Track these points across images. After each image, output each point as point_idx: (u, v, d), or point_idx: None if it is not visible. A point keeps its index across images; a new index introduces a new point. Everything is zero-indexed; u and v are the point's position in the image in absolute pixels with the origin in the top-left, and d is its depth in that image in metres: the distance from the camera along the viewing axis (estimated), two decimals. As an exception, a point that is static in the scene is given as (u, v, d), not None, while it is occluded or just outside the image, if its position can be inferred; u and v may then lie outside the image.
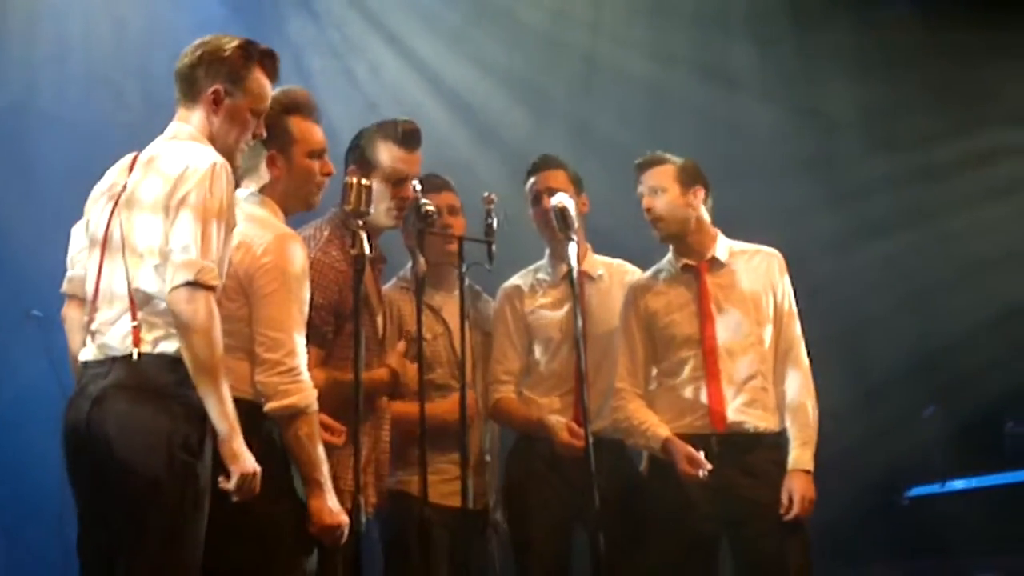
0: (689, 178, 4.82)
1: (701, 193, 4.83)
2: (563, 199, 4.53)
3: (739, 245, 4.91)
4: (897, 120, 7.18)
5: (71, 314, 3.67)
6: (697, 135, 6.71)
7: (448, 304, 4.79)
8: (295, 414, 3.55)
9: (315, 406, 3.59)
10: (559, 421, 4.77)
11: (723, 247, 4.87)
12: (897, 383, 6.94)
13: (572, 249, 4.42)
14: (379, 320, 4.26)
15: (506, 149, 6.95)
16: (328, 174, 3.95)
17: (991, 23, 6.84)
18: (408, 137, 4.32)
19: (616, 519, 4.50)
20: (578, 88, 7.38)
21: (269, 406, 3.55)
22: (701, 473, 4.55)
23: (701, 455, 4.56)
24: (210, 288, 3.28)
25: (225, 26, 6.25)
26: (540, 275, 5.04)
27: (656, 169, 4.82)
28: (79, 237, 3.65)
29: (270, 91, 3.61)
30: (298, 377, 3.57)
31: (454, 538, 4.52)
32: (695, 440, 4.62)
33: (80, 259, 3.61)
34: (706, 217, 4.86)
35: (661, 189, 4.78)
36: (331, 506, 3.59)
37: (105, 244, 3.43)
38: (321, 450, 3.61)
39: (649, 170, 4.83)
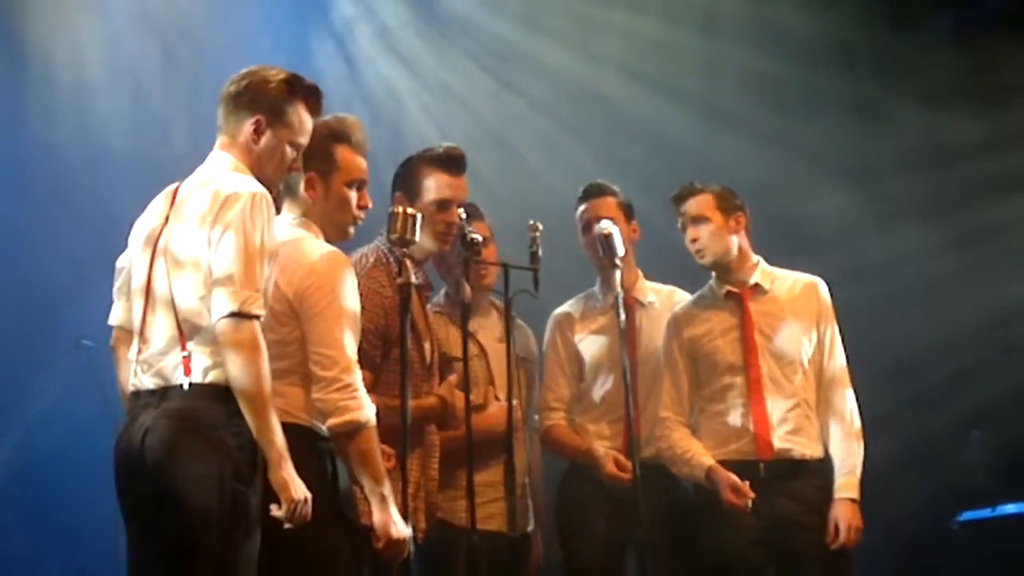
0: (729, 205, 4.82)
1: (743, 219, 4.84)
2: (608, 226, 4.57)
3: (781, 272, 4.90)
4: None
5: (119, 345, 3.70)
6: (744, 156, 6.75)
7: (483, 329, 4.83)
8: (356, 429, 3.55)
9: (374, 421, 3.59)
10: (607, 453, 4.77)
11: (765, 273, 4.86)
12: (941, 404, 6.88)
13: (617, 276, 4.44)
14: (426, 346, 4.28)
15: (547, 184, 6.97)
16: (364, 207, 3.95)
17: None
18: (452, 161, 4.36)
19: (667, 545, 4.54)
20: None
21: (330, 423, 3.55)
22: (746, 503, 4.54)
23: (746, 485, 4.55)
24: (255, 317, 3.30)
25: (271, 59, 6.36)
26: (590, 302, 5.06)
27: (696, 199, 4.82)
28: (124, 269, 3.69)
29: (311, 126, 3.64)
30: (355, 393, 3.57)
31: (492, 563, 4.50)
32: (743, 467, 4.62)
33: (126, 290, 3.64)
34: (747, 244, 4.86)
35: (703, 218, 4.78)
36: (396, 520, 3.59)
37: (150, 276, 3.46)
38: (382, 465, 3.62)
39: (688, 200, 4.83)
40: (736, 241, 4.81)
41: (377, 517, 3.58)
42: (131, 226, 3.64)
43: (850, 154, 7.20)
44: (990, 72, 7.03)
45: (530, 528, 4.84)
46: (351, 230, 3.96)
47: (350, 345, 3.61)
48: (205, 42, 7.07)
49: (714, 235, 4.78)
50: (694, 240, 4.79)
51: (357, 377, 3.59)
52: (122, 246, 3.69)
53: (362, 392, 3.59)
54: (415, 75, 7.47)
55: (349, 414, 3.55)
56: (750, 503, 4.53)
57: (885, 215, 7.12)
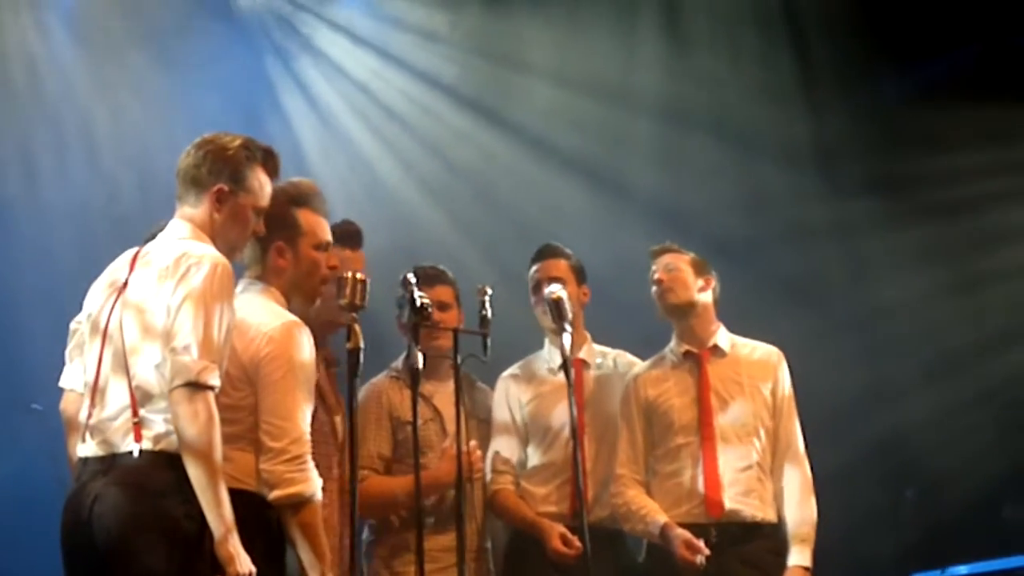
0: (702, 267, 4.92)
1: (711, 282, 4.92)
2: (557, 289, 4.58)
3: (742, 339, 4.96)
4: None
5: (69, 408, 3.67)
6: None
7: (439, 392, 4.76)
8: (301, 502, 3.53)
9: (319, 495, 3.58)
10: (552, 527, 4.74)
11: (725, 337, 4.91)
12: (881, 467, 6.92)
13: (566, 339, 4.45)
14: (337, 420, 4.19)
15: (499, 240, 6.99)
16: (333, 268, 3.95)
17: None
18: (343, 236, 4.32)
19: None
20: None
21: (274, 495, 3.53)
22: (699, 559, 4.54)
23: (700, 542, 4.55)
24: (210, 388, 3.29)
25: (220, 116, 6.36)
26: (538, 363, 5.05)
27: (672, 254, 4.93)
28: (77, 331, 3.66)
29: (270, 189, 3.65)
30: (303, 465, 3.55)
31: None
32: (694, 530, 4.61)
33: (78, 354, 3.61)
34: (711, 307, 4.92)
35: (675, 267, 4.87)
36: None
37: (105, 340, 3.44)
38: (324, 538, 3.60)
39: (664, 254, 4.93)
40: (701, 296, 4.88)
41: None
42: (80, 285, 3.62)
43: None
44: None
45: None
46: (321, 292, 3.93)
47: (302, 417, 3.59)
48: (155, 99, 7.03)
49: (683, 282, 4.86)
50: (661, 281, 4.85)
51: (307, 449, 3.57)
52: (71, 306, 3.67)
53: (310, 465, 3.57)
54: (358, 141, 7.49)
55: (295, 487, 3.52)
56: (703, 559, 4.53)
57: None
